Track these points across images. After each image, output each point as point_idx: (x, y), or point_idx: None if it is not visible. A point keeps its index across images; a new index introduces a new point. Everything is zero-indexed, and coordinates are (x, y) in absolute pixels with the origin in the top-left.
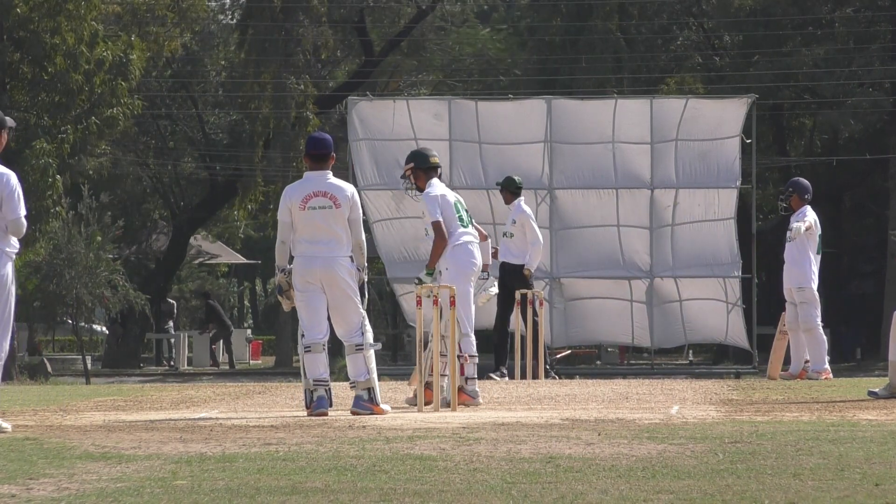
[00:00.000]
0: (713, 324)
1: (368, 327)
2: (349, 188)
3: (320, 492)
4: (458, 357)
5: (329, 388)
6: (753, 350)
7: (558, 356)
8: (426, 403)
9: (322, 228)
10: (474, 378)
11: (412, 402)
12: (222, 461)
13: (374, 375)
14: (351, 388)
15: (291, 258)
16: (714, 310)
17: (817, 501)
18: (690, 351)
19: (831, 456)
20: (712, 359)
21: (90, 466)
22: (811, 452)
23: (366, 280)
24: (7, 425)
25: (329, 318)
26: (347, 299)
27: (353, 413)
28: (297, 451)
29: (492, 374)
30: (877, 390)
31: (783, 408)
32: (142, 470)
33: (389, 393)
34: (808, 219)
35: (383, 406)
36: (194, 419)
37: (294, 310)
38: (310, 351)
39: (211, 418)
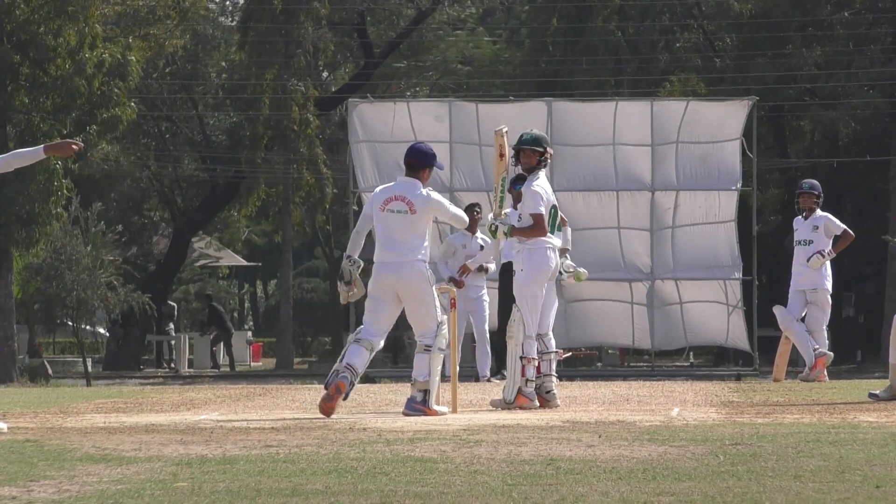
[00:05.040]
0: (714, 326)
1: (444, 332)
2: (430, 193)
3: (321, 494)
4: (521, 359)
5: (353, 381)
6: (754, 352)
7: (559, 358)
8: (522, 407)
9: (395, 232)
10: (533, 381)
11: (497, 404)
12: (223, 463)
13: (436, 379)
14: (412, 386)
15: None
16: (715, 312)
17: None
18: (691, 353)
19: (832, 458)
20: (713, 361)
21: (91, 468)
22: (812, 454)
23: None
24: (4, 426)
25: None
26: (421, 305)
27: (405, 414)
28: (297, 453)
29: (492, 379)
30: (877, 392)
31: (784, 410)
32: (142, 472)
33: (390, 395)
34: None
35: (437, 408)
36: (195, 421)
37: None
38: (357, 342)
39: (211, 420)
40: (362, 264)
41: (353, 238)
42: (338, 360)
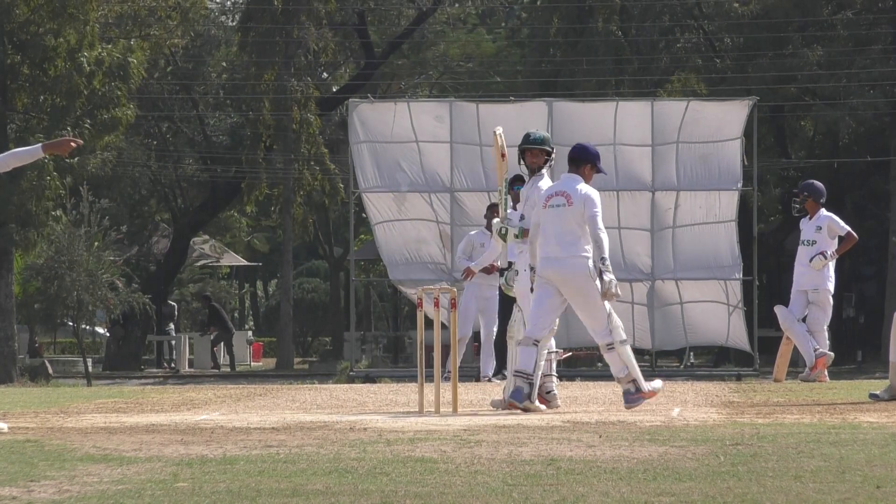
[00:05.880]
0: (714, 326)
1: (616, 322)
2: (587, 189)
3: (321, 494)
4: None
5: (532, 383)
6: (754, 352)
7: (560, 358)
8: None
9: (556, 227)
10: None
11: (497, 405)
12: (223, 463)
13: (633, 365)
14: (619, 383)
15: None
16: (715, 312)
17: None
18: (692, 353)
19: (832, 458)
20: (713, 361)
21: (91, 468)
22: (812, 455)
23: (607, 276)
24: (4, 426)
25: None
26: (585, 301)
27: (627, 408)
28: (298, 454)
29: (493, 378)
30: (878, 392)
31: (784, 410)
32: (143, 472)
33: (391, 395)
34: (832, 246)
35: (651, 386)
36: (195, 421)
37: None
38: (522, 343)
39: (212, 420)
40: None
41: (530, 250)
42: (508, 368)
